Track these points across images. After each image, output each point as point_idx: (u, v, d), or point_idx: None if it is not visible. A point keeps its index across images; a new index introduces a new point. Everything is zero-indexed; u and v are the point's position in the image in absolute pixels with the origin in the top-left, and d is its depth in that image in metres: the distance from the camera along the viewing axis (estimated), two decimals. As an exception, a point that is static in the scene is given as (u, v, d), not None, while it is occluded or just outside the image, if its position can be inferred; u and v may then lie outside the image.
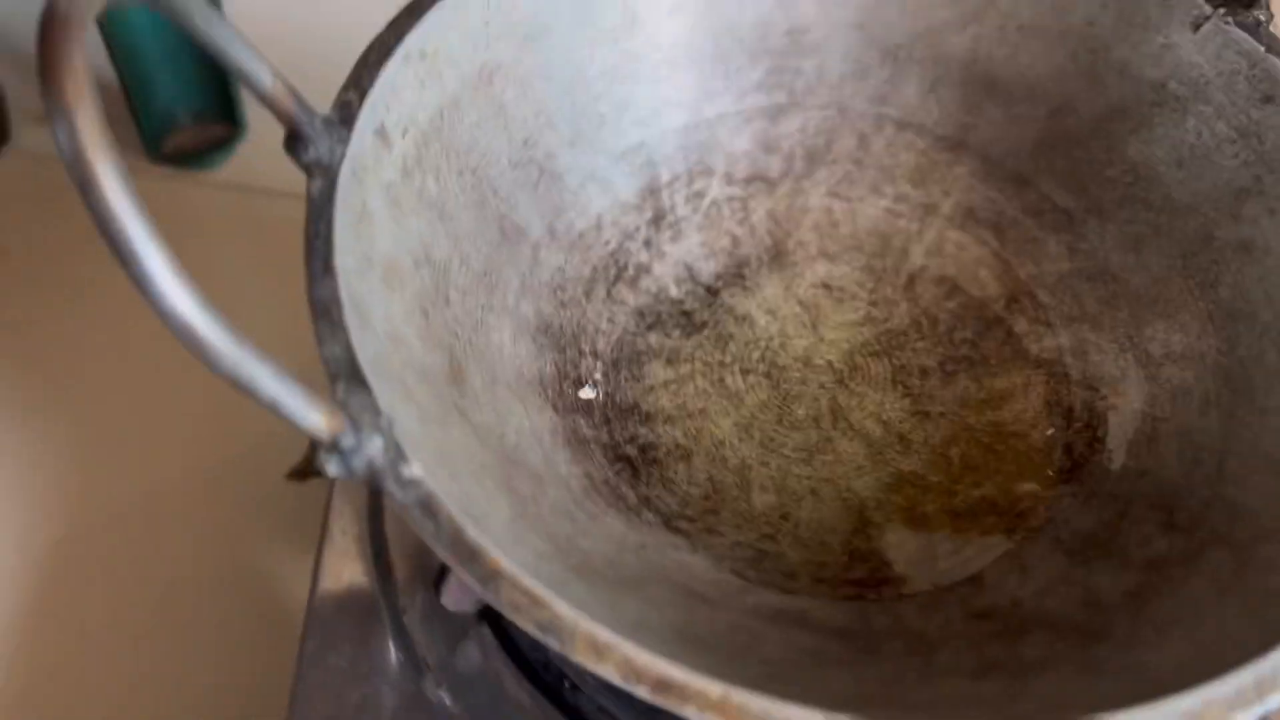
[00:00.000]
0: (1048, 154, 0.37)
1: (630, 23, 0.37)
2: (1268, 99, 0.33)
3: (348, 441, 0.23)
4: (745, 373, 0.36)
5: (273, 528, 0.42)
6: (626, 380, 0.35)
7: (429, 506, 0.23)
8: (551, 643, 0.22)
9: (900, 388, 0.36)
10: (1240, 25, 0.34)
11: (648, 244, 0.38)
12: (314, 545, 0.35)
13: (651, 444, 0.34)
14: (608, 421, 0.34)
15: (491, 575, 0.22)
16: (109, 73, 0.53)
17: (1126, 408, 0.34)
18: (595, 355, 0.35)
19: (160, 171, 0.57)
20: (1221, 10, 0.34)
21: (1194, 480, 0.31)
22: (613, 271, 0.37)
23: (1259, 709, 0.22)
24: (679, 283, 0.37)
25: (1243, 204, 0.33)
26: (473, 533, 0.23)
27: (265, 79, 0.27)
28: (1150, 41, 0.35)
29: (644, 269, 0.37)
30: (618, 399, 0.34)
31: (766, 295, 0.38)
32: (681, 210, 0.38)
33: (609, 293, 0.36)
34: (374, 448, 0.23)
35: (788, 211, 0.39)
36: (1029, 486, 0.33)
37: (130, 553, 0.42)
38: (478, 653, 0.32)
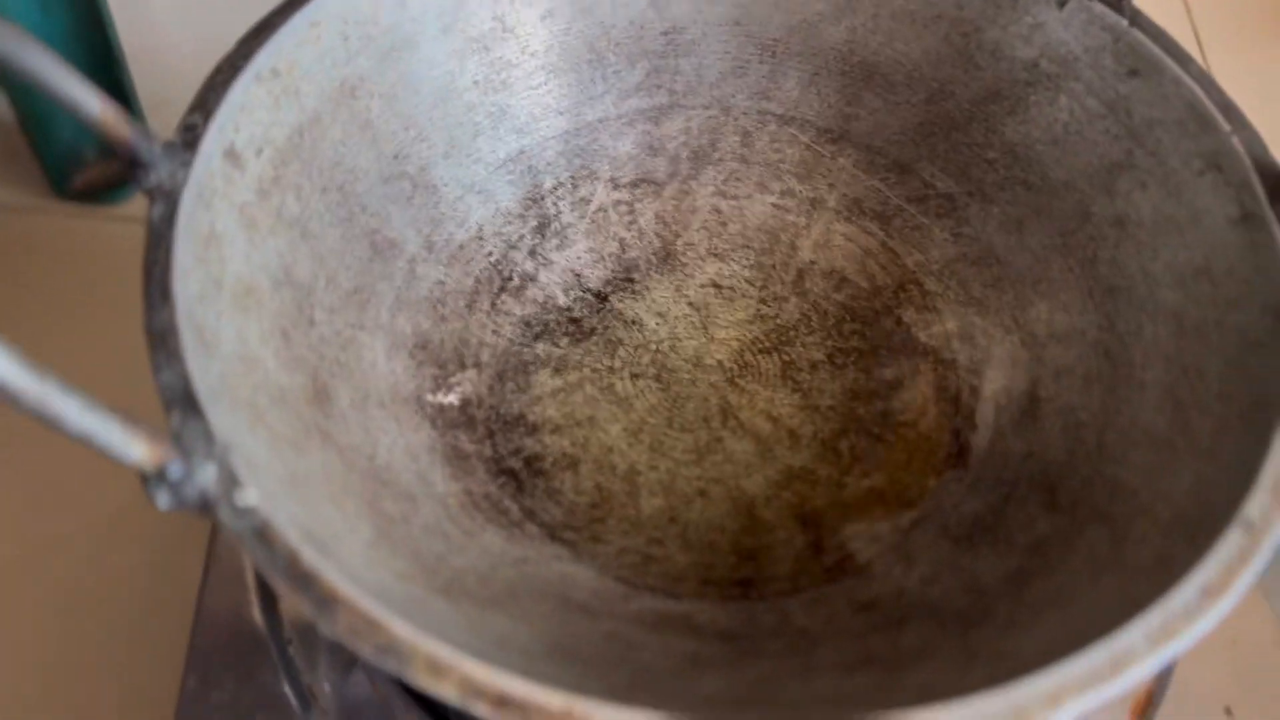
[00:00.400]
0: (928, 140, 0.37)
1: (500, 30, 0.37)
2: (1133, 72, 0.33)
3: (175, 472, 0.22)
4: (635, 377, 0.36)
5: (164, 562, 0.41)
6: (512, 392, 0.35)
7: (264, 534, 0.22)
8: (390, 665, 0.21)
9: (790, 383, 0.35)
10: (1103, 1, 0.34)
11: (533, 253, 0.37)
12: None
13: (538, 455, 0.33)
14: (491, 435, 0.33)
15: (328, 600, 0.22)
16: (9, 113, 0.52)
17: (1013, 389, 0.33)
18: (479, 368, 0.35)
19: (70, 208, 0.57)
20: (1084, -14, 0.34)
21: (1076, 459, 0.31)
22: (496, 282, 0.36)
23: (1116, 686, 0.22)
24: (567, 290, 0.37)
25: (1116, 179, 0.33)
26: (309, 558, 0.22)
27: (93, 106, 0.26)
28: (1019, 22, 0.35)
29: (530, 278, 0.37)
30: (502, 411, 0.34)
31: (656, 298, 0.37)
32: (567, 217, 0.38)
33: (493, 304, 0.36)
34: (206, 477, 0.23)
35: (676, 213, 0.39)
36: (917, 474, 0.33)
37: (27, 595, 0.41)
38: (366, 680, 0.31)
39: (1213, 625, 0.23)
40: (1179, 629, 0.23)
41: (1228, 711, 0.32)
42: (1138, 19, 0.33)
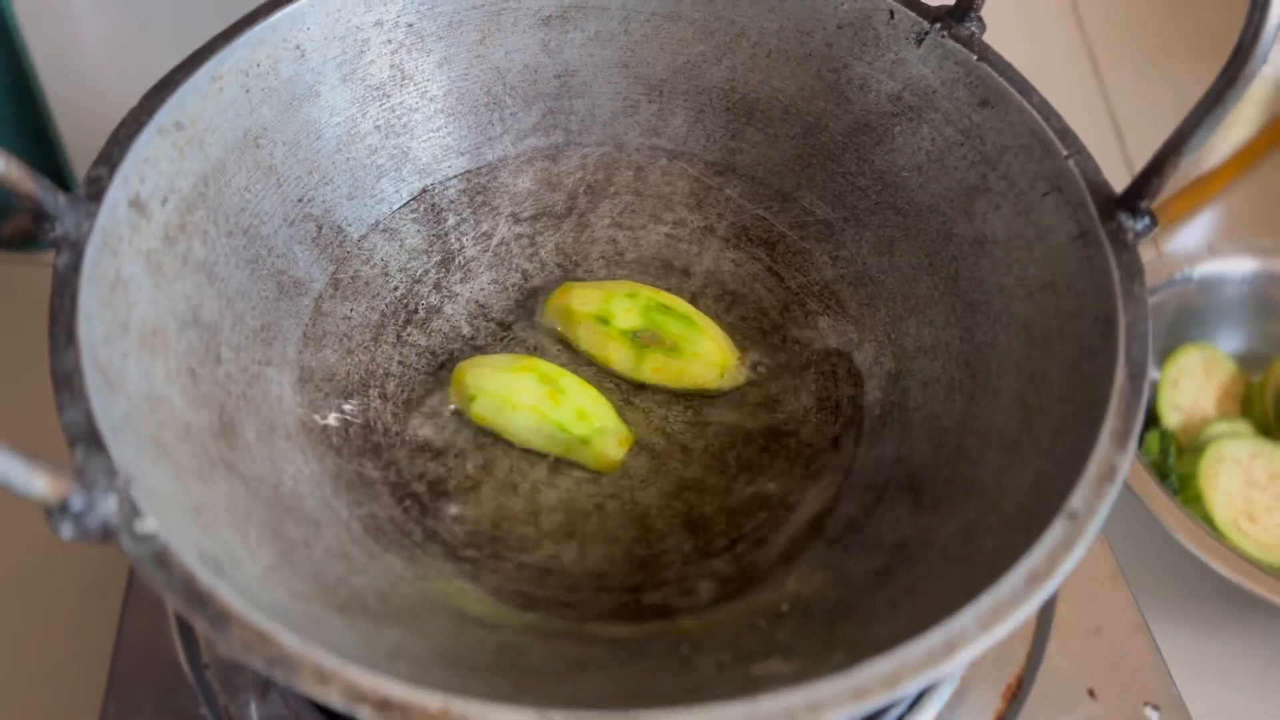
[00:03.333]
0: (806, 170, 0.40)
1: (399, 78, 0.39)
2: (984, 103, 0.36)
3: (77, 504, 0.24)
4: (537, 401, 0.37)
5: (86, 591, 0.42)
6: (418, 418, 0.36)
7: (162, 558, 0.24)
8: (279, 676, 0.23)
9: (682, 401, 0.37)
10: (955, 38, 0.36)
11: (437, 286, 0.39)
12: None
13: (442, 478, 0.35)
14: (396, 461, 0.35)
15: (222, 617, 0.23)
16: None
17: (886, 399, 0.36)
18: (385, 397, 0.36)
19: (1, 255, 0.58)
20: (938, 25, 0.37)
21: (939, 461, 0.33)
22: (402, 316, 0.38)
23: (949, 666, 0.24)
24: (471, 320, 0.39)
25: (973, 201, 0.36)
26: (205, 580, 0.24)
27: (-3, 164, 0.28)
28: (883, 58, 0.38)
29: (435, 310, 0.39)
30: (407, 437, 0.36)
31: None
32: (470, 251, 0.40)
33: (399, 336, 0.38)
34: (108, 507, 0.24)
35: (575, 244, 0.41)
36: (798, 480, 0.35)
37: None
38: (280, 701, 0.33)
39: (1036, 609, 0.25)
40: (1007, 613, 0.25)
41: (1091, 693, 0.34)
42: (986, 54, 0.36)
